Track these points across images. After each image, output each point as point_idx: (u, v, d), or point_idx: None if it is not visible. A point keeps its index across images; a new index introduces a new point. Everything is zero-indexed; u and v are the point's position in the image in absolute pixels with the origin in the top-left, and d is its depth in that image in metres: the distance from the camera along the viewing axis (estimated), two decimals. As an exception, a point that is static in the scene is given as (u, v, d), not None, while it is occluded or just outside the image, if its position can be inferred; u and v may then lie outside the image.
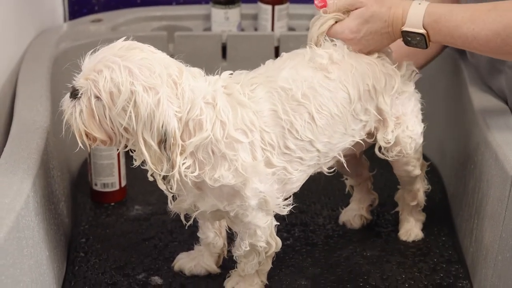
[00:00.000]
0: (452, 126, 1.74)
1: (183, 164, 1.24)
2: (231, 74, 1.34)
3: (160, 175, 1.23)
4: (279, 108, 1.31)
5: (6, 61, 1.72)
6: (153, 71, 1.20)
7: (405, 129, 1.45)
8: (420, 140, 1.49)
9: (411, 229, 1.62)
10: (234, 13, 2.00)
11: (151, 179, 1.25)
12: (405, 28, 1.38)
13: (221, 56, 1.99)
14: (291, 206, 1.36)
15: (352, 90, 1.37)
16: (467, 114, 1.63)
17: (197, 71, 1.28)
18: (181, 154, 1.24)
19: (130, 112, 1.19)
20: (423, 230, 1.64)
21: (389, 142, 1.44)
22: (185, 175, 1.25)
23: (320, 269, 1.54)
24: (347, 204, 1.69)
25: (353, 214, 1.67)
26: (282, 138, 1.32)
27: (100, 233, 1.64)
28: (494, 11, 1.35)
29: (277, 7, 2.00)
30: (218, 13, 2.00)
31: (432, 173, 1.84)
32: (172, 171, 1.22)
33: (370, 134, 1.44)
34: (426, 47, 1.39)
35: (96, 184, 1.72)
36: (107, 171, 1.70)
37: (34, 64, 1.76)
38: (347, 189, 1.66)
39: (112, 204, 1.74)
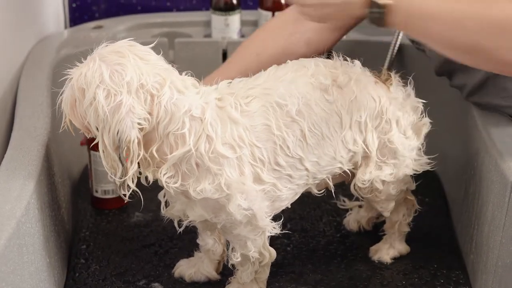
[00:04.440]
0: (453, 132, 1.74)
1: (164, 174, 1.25)
2: (230, 82, 1.34)
3: (117, 179, 1.23)
4: (273, 123, 1.30)
5: (7, 67, 1.72)
6: (123, 77, 1.20)
7: (380, 174, 1.41)
8: (393, 191, 1.46)
9: (380, 250, 1.59)
10: (234, 19, 2.00)
11: (111, 180, 1.25)
12: None
13: (222, 62, 1.99)
14: (280, 223, 1.36)
15: (345, 116, 1.35)
16: (468, 120, 1.63)
17: (189, 83, 1.27)
18: (157, 166, 1.25)
19: (91, 111, 1.21)
20: (422, 236, 1.64)
21: (364, 184, 1.42)
22: (167, 185, 1.26)
23: (320, 275, 1.54)
24: (347, 210, 1.69)
25: (354, 218, 1.67)
26: (273, 154, 1.31)
27: (100, 239, 1.64)
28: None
29: (277, 13, 2.00)
30: (218, 20, 2.00)
31: (432, 178, 1.84)
32: (124, 177, 1.22)
33: (356, 167, 1.42)
34: (382, 26, 1.31)
35: (97, 191, 1.72)
36: (108, 178, 1.70)
37: (35, 70, 1.77)
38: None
39: (113, 210, 1.74)
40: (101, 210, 1.74)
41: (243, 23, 2.04)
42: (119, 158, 1.21)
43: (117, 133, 1.20)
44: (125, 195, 1.25)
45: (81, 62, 1.26)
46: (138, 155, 1.22)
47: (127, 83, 1.20)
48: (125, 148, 1.20)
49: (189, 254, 1.55)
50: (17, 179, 1.33)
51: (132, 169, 1.22)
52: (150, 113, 1.22)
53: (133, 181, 1.24)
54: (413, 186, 1.53)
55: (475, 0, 1.27)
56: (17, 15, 1.79)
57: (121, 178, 1.23)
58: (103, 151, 1.22)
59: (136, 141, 1.21)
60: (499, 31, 1.24)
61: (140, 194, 1.27)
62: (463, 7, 1.27)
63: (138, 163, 1.23)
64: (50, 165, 1.48)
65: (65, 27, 2.18)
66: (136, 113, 1.20)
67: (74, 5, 2.18)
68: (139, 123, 1.20)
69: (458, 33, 1.27)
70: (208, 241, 1.48)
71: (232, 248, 1.38)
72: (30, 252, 1.28)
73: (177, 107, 1.23)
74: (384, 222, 1.61)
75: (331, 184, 1.40)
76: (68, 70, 1.26)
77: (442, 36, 1.29)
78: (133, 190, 1.25)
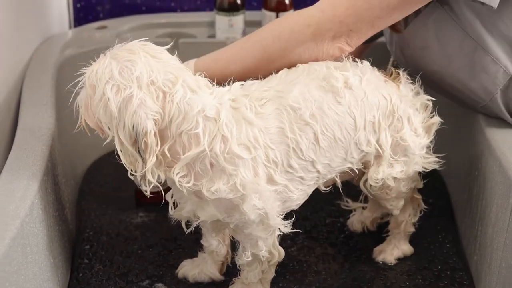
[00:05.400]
0: (457, 133, 1.74)
1: (177, 174, 1.24)
2: (242, 84, 1.34)
3: (138, 174, 1.23)
4: (287, 126, 1.30)
5: (11, 67, 1.72)
6: (132, 73, 1.20)
7: (392, 171, 1.42)
8: (404, 189, 1.48)
9: (384, 251, 1.59)
10: (238, 20, 2.00)
11: (132, 178, 1.25)
12: None
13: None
14: (291, 221, 1.36)
15: (359, 118, 1.35)
16: (471, 121, 1.63)
17: (202, 83, 1.27)
18: (169, 166, 1.24)
19: (101, 108, 1.21)
20: (426, 237, 1.64)
21: (377, 182, 1.42)
22: (180, 185, 1.25)
23: (324, 277, 1.54)
24: (351, 211, 1.69)
25: (358, 218, 1.67)
26: (286, 156, 1.31)
27: (104, 239, 1.64)
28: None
29: (281, 14, 2.00)
30: (222, 20, 2.00)
31: (436, 180, 1.84)
32: (143, 170, 1.22)
33: (366, 166, 1.42)
34: None
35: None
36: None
37: (39, 70, 1.77)
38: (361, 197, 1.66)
39: (118, 211, 1.74)
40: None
41: (247, 23, 2.04)
42: (138, 151, 1.21)
43: (133, 126, 1.19)
44: (146, 190, 1.24)
45: (85, 62, 1.26)
46: (156, 149, 1.21)
47: (136, 78, 1.20)
48: (143, 140, 1.20)
49: (193, 255, 1.55)
50: (21, 179, 1.33)
51: (151, 161, 1.21)
52: (162, 111, 1.22)
53: (153, 176, 1.23)
54: (420, 184, 1.53)
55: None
56: (22, 15, 1.79)
57: (141, 173, 1.23)
58: (121, 149, 1.22)
59: (152, 132, 1.20)
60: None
61: (162, 189, 1.26)
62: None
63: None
64: (54, 165, 1.49)
65: (70, 27, 2.18)
66: (148, 106, 1.20)
67: (78, 5, 2.18)
68: (154, 116, 1.20)
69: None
70: (212, 242, 1.48)
71: (242, 248, 1.38)
72: (34, 252, 1.28)
73: (190, 106, 1.23)
74: (388, 223, 1.61)
75: (338, 181, 1.40)
76: (84, 68, 1.26)
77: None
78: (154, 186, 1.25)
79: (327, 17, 1.38)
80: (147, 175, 1.22)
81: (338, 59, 1.41)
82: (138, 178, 1.23)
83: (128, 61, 1.22)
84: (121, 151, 1.22)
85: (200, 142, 1.23)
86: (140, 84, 1.20)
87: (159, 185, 1.25)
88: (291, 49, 1.40)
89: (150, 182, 1.23)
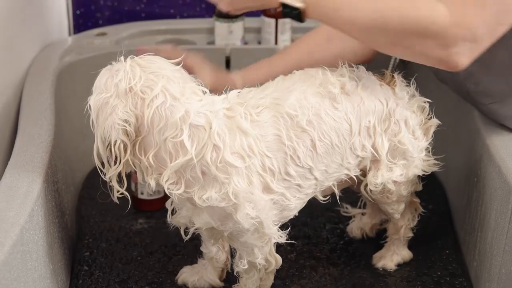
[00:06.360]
0: (456, 139, 1.74)
1: (166, 181, 1.25)
2: (239, 92, 1.34)
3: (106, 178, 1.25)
4: (284, 133, 1.30)
5: (11, 74, 1.72)
6: (113, 80, 1.23)
7: (391, 175, 1.42)
8: (404, 192, 1.48)
9: (384, 257, 1.59)
10: (237, 26, 2.01)
11: (108, 180, 1.26)
12: (283, 1, 1.34)
13: (225, 69, 2.00)
14: (287, 232, 1.36)
15: (355, 123, 1.35)
16: (471, 127, 1.63)
17: (188, 91, 1.25)
18: (160, 173, 1.25)
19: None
20: (425, 243, 1.64)
21: (377, 187, 1.42)
22: (170, 192, 1.26)
23: (323, 283, 1.54)
24: (350, 218, 1.69)
25: (357, 225, 1.68)
26: (283, 164, 1.30)
27: (104, 246, 1.64)
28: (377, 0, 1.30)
29: (280, 21, 2.00)
30: (221, 27, 2.00)
31: (435, 186, 1.84)
32: (110, 172, 1.24)
33: (364, 172, 1.43)
34: (302, 22, 1.36)
35: (142, 193, 1.73)
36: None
37: (38, 77, 1.77)
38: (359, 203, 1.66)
39: (118, 217, 1.74)
40: (147, 212, 1.75)
41: (246, 30, 2.05)
42: (107, 159, 1.23)
43: (103, 130, 1.22)
44: (113, 195, 1.26)
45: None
46: (120, 158, 1.22)
47: (115, 85, 1.22)
48: (108, 148, 1.22)
49: (192, 261, 1.55)
50: (21, 186, 1.33)
51: (114, 170, 1.23)
52: (141, 117, 1.22)
53: (123, 183, 1.24)
54: (419, 187, 1.54)
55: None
56: (21, 22, 1.79)
57: (110, 179, 1.24)
58: (96, 152, 1.24)
59: (119, 142, 1.21)
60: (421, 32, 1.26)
61: (129, 196, 1.27)
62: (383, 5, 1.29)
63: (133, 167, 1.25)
64: (53, 172, 1.49)
65: (69, 34, 2.18)
66: (118, 115, 1.21)
67: (78, 12, 2.19)
68: (123, 126, 1.21)
69: (379, 35, 1.30)
70: (211, 249, 1.48)
71: (238, 256, 1.38)
72: (33, 259, 1.28)
73: (172, 112, 1.22)
74: (386, 229, 1.61)
75: (336, 190, 1.40)
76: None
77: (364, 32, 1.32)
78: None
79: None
80: (113, 181, 1.24)
81: (336, 65, 1.40)
82: (108, 182, 1.25)
83: (116, 70, 1.24)
84: (96, 154, 1.24)
85: (188, 151, 1.23)
86: (119, 92, 1.22)
87: (126, 193, 1.26)
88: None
89: (113, 188, 1.25)
